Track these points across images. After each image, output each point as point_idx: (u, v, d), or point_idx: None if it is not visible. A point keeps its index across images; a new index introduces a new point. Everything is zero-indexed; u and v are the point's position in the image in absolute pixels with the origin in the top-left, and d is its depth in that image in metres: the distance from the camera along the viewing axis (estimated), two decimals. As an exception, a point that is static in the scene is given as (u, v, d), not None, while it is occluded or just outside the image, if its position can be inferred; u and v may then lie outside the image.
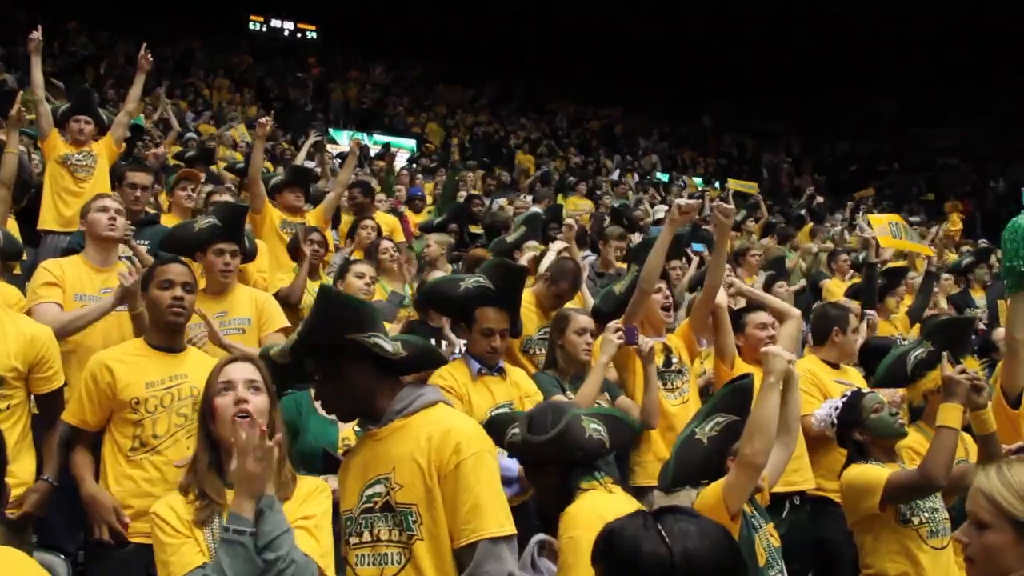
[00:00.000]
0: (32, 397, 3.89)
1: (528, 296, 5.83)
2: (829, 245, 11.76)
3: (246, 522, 2.42)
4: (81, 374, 3.87)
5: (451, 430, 2.66)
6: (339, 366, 2.72)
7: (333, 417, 3.83)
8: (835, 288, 9.11)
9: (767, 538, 3.53)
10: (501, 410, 4.18)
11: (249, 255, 5.43)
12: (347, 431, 3.90)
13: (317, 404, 3.84)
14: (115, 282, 4.45)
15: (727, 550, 1.81)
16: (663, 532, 1.79)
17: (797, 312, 5.52)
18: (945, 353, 3.92)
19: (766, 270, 8.94)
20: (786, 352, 3.58)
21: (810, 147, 27.68)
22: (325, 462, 3.72)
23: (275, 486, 2.55)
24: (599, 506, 2.99)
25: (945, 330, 4.68)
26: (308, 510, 2.69)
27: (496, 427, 3.15)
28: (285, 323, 4.92)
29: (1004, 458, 2.95)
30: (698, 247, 9.22)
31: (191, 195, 7.09)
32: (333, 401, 2.81)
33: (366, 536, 2.70)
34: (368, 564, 2.68)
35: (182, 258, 4.22)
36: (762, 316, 5.28)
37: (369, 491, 2.70)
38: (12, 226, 6.18)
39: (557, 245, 6.58)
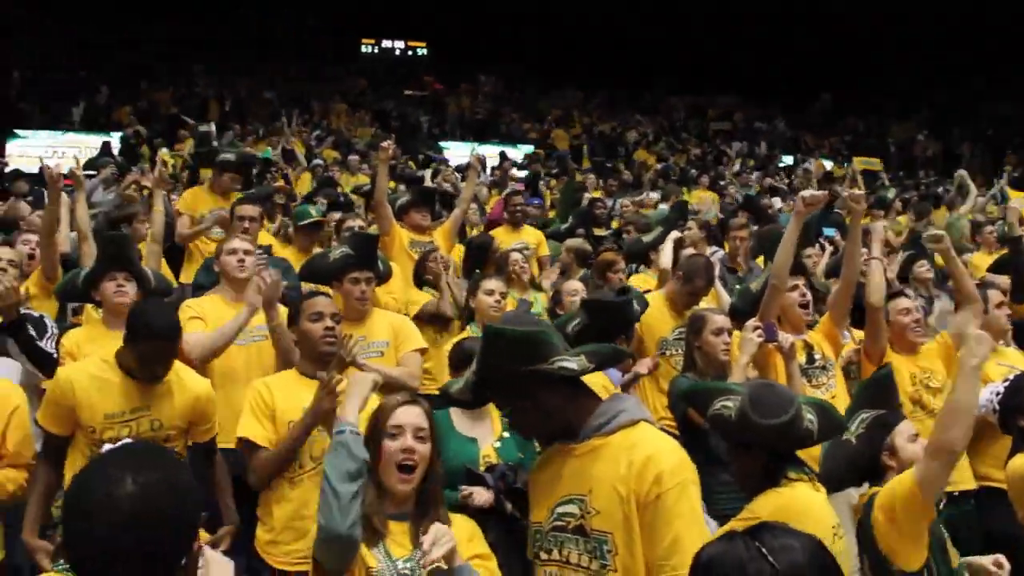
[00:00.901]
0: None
1: (659, 296, 5.80)
2: (969, 217, 11.23)
3: (346, 423, 2.61)
4: (235, 398, 4.16)
5: (653, 456, 2.54)
6: (528, 393, 2.65)
7: (473, 435, 3.97)
8: (980, 262, 8.71)
9: (949, 539, 3.36)
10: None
11: (384, 277, 5.53)
12: (487, 449, 3.94)
13: (456, 423, 4.00)
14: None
15: (827, 560, 1.75)
16: (764, 551, 1.73)
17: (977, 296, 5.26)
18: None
19: (905, 249, 8.63)
20: (989, 338, 3.32)
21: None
22: (468, 480, 3.80)
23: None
24: (810, 501, 2.96)
25: None
26: (480, 549, 2.82)
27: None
28: (422, 343, 5.05)
29: None
30: (829, 232, 8.95)
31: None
32: (530, 428, 2.80)
33: (555, 555, 2.64)
34: None
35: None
36: (904, 302, 5.11)
37: (561, 509, 2.64)
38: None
39: (671, 240, 6.51)
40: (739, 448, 3.08)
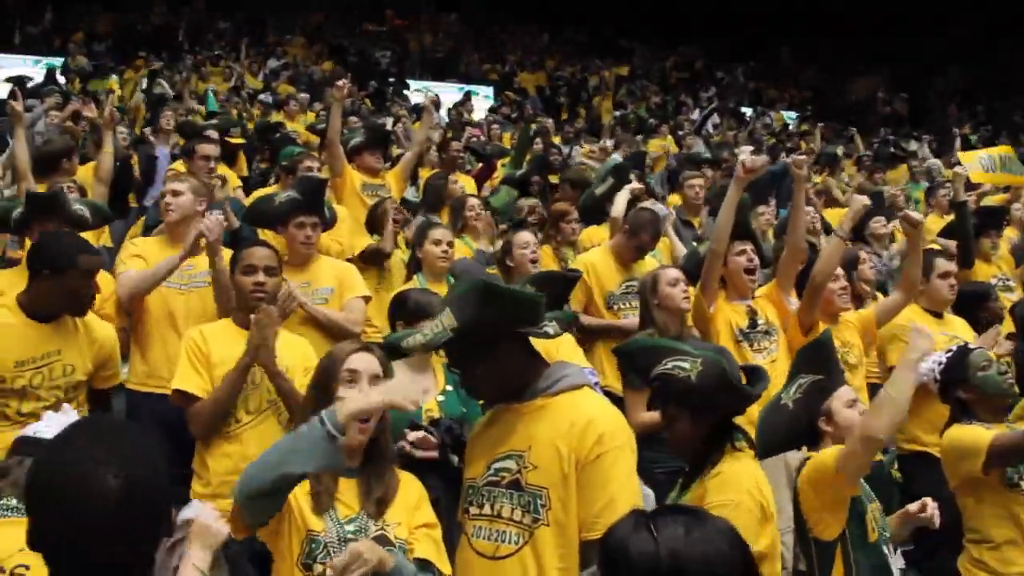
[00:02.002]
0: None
1: (605, 250, 5.76)
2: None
3: (333, 417, 2.37)
4: (173, 344, 4.07)
5: (596, 418, 2.62)
6: (494, 352, 2.66)
7: (416, 391, 3.93)
8: (932, 225, 8.75)
9: (876, 511, 3.39)
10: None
11: (329, 224, 5.42)
12: (430, 403, 3.88)
13: (399, 376, 3.95)
14: (196, 258, 4.56)
15: (725, 551, 1.71)
16: (654, 531, 1.72)
17: None
18: (1055, 306, 3.73)
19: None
20: (932, 332, 3.32)
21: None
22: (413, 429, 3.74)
23: (383, 486, 2.67)
24: (756, 472, 3.00)
25: None
26: (427, 517, 2.74)
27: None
28: (365, 291, 4.97)
29: None
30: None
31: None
32: (485, 385, 2.75)
33: (486, 509, 2.67)
34: (483, 538, 2.66)
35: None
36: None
37: (498, 464, 2.68)
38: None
39: (624, 193, 6.45)
40: (688, 412, 3.04)
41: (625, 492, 2.58)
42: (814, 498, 3.16)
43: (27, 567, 2.19)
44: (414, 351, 2.70)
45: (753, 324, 4.79)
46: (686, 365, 2.99)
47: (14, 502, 2.37)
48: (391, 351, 2.78)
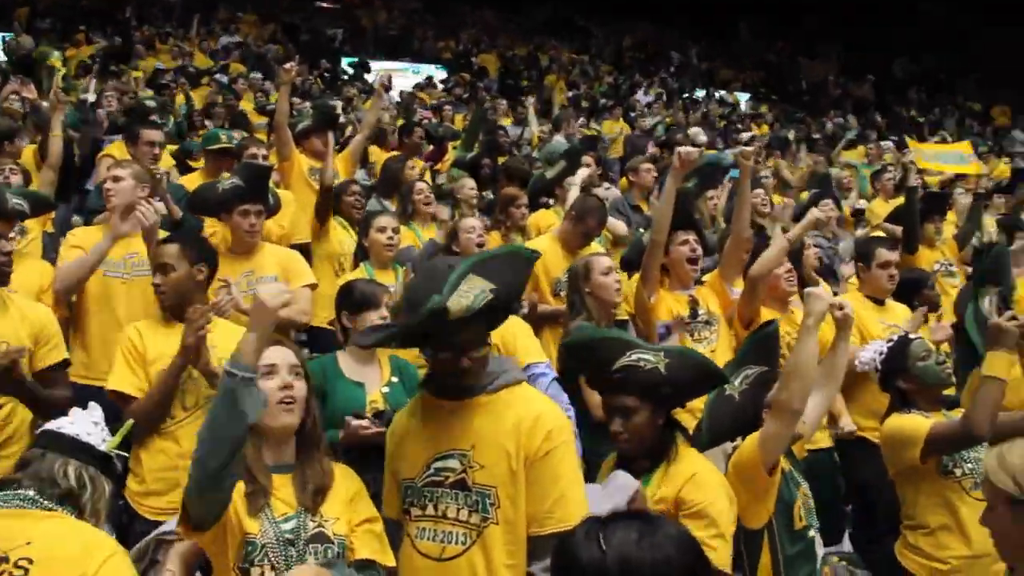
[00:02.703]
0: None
1: (552, 237, 5.76)
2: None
3: (239, 366, 2.35)
4: (113, 336, 3.95)
5: (543, 415, 2.63)
6: (483, 344, 2.67)
7: (360, 380, 3.87)
8: (878, 209, 8.88)
9: (805, 497, 3.47)
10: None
11: (272, 210, 5.36)
12: (375, 394, 3.86)
13: (343, 367, 3.91)
14: (139, 246, 4.47)
15: (673, 557, 1.74)
16: (603, 539, 1.75)
17: None
18: (990, 298, 3.78)
19: (811, 188, 8.75)
20: (827, 294, 3.44)
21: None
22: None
23: (318, 477, 2.65)
24: (711, 464, 3.08)
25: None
26: (367, 512, 2.72)
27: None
28: (311, 279, 4.92)
29: None
30: (735, 174, 8.99)
31: None
32: (479, 367, 2.65)
33: (430, 510, 2.66)
34: (428, 539, 2.65)
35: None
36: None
37: (439, 464, 2.66)
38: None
39: (579, 179, 6.45)
40: (651, 404, 3.06)
41: (574, 487, 2.63)
42: (741, 487, 3.21)
43: (31, 561, 2.16)
44: (459, 315, 2.48)
45: (694, 314, 4.81)
46: (651, 358, 3.03)
47: (31, 493, 2.34)
48: (434, 317, 2.50)
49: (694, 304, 4.84)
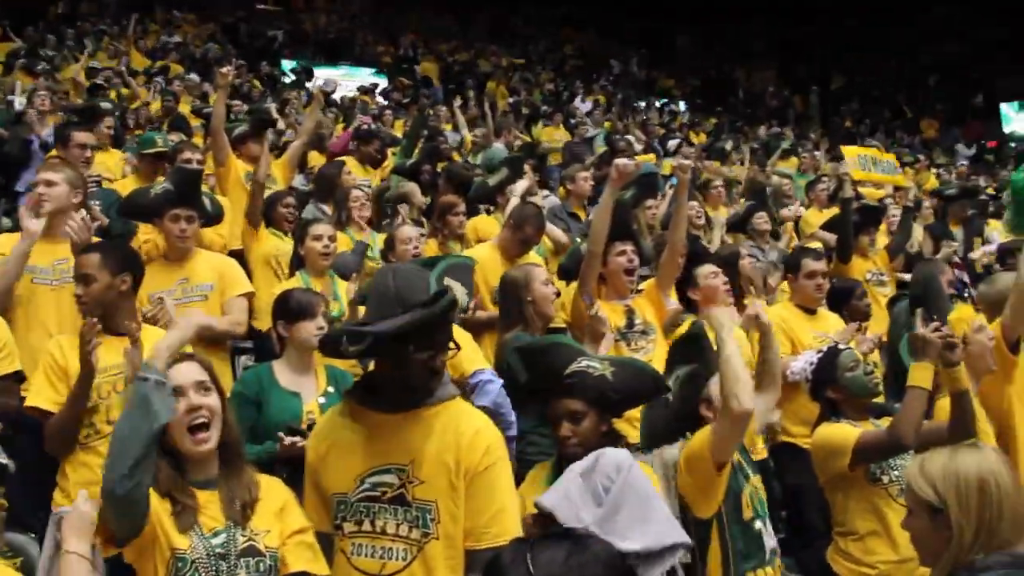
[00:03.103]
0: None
1: (492, 246, 5.78)
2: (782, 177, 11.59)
3: (150, 371, 2.42)
4: (42, 346, 3.83)
5: (481, 430, 2.64)
6: (444, 350, 2.67)
7: (296, 390, 3.86)
8: (812, 219, 9.02)
9: (755, 489, 3.56)
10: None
11: (214, 218, 5.29)
12: (311, 404, 3.83)
13: (279, 377, 3.88)
14: (69, 252, 4.36)
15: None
16: (530, 560, 1.77)
17: None
18: (919, 310, 3.88)
19: (745, 199, 8.85)
20: (723, 309, 3.55)
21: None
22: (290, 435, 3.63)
23: (244, 490, 2.60)
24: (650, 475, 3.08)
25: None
26: (297, 522, 2.66)
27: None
28: (248, 287, 4.88)
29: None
30: (674, 182, 9.08)
31: None
32: (424, 372, 2.63)
33: (367, 526, 2.62)
34: (366, 555, 2.62)
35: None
36: (709, 267, 5.15)
37: (374, 479, 2.62)
38: None
39: (519, 188, 6.48)
40: (597, 409, 3.12)
41: (511, 501, 2.65)
42: (690, 479, 3.30)
43: None
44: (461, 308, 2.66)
45: (631, 324, 4.85)
46: (598, 365, 3.11)
47: None
48: (452, 308, 2.60)
49: (630, 314, 4.88)
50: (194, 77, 13.62)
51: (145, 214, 4.94)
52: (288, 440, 3.51)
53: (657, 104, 19.62)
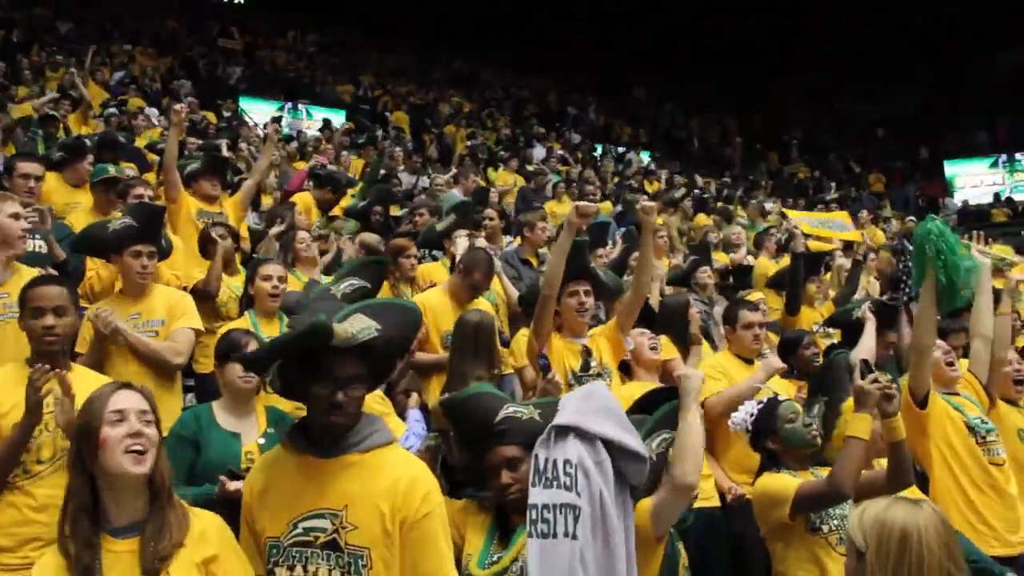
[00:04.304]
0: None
1: (441, 291, 5.80)
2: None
3: None
4: None
5: (418, 477, 2.63)
6: (372, 378, 2.68)
7: (235, 430, 3.83)
8: (763, 268, 9.07)
9: (683, 557, 3.56)
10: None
11: (164, 253, 5.24)
12: (250, 445, 3.80)
13: (218, 417, 3.85)
14: (10, 287, 4.29)
15: None
16: None
17: None
18: (860, 361, 3.93)
19: (692, 252, 8.93)
20: (698, 372, 3.49)
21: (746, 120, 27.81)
22: (231, 478, 3.57)
23: (164, 535, 2.44)
24: None
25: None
26: (217, 549, 2.53)
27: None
28: (197, 323, 4.83)
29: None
30: (623, 230, 9.19)
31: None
32: (355, 409, 2.63)
33: (298, 571, 2.60)
34: None
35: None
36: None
37: (307, 524, 2.60)
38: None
39: (462, 242, 6.50)
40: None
41: (448, 548, 2.67)
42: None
43: None
44: (339, 341, 2.54)
45: (586, 366, 4.85)
46: (524, 410, 3.08)
47: None
48: (315, 336, 2.55)
49: (587, 355, 4.88)
50: (153, 111, 13.49)
51: (102, 249, 4.86)
52: (231, 485, 3.43)
53: (617, 151, 19.85)
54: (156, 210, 5.17)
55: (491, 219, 8.25)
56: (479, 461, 3.10)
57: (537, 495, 2.82)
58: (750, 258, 10.04)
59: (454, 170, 11.81)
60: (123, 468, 2.45)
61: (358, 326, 2.57)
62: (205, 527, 2.55)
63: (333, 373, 2.59)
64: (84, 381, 3.50)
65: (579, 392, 3.15)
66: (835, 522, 3.83)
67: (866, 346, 5.68)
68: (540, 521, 2.80)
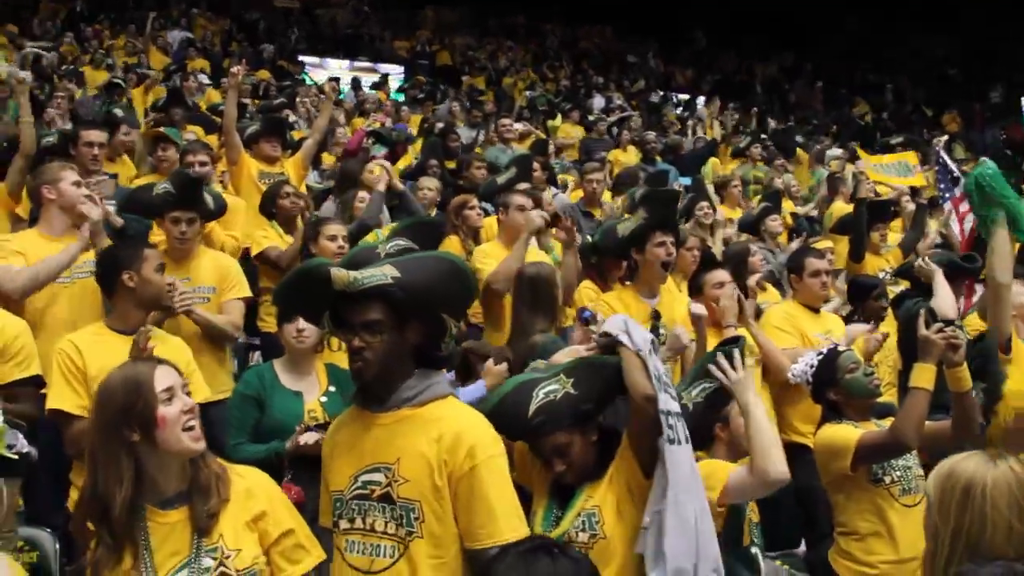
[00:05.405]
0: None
1: (496, 244, 5.81)
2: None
3: None
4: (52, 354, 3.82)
5: (463, 432, 2.62)
6: (402, 329, 2.64)
7: (297, 389, 3.91)
8: (837, 211, 8.79)
9: (750, 515, 3.59)
10: None
11: (216, 213, 5.32)
12: (313, 403, 3.89)
13: (280, 376, 3.92)
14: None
15: None
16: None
17: None
18: (922, 311, 3.85)
19: (761, 200, 8.81)
20: (745, 383, 3.18)
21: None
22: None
23: (211, 495, 2.44)
24: None
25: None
26: (278, 527, 2.52)
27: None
28: (247, 292, 4.94)
29: None
30: (685, 180, 9.10)
31: (164, 156, 6.88)
32: (375, 356, 2.61)
33: (358, 523, 2.66)
34: (358, 552, 2.65)
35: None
36: (719, 274, 5.01)
37: (365, 477, 2.66)
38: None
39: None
40: (579, 430, 2.98)
41: (503, 500, 2.62)
42: None
43: None
44: (339, 285, 2.56)
45: (654, 329, 4.67)
46: (556, 386, 2.97)
47: None
48: (310, 280, 2.64)
49: (656, 319, 4.74)
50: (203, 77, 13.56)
51: (147, 212, 5.03)
52: (303, 438, 3.55)
53: (677, 98, 19.52)
54: (193, 180, 5.12)
55: (534, 171, 8.15)
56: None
57: (664, 402, 2.79)
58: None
59: (514, 125, 11.65)
60: (183, 445, 2.43)
61: (367, 273, 2.58)
62: (250, 485, 2.55)
63: (347, 319, 2.64)
64: (164, 349, 3.66)
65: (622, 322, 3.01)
66: (897, 473, 3.80)
67: (946, 301, 5.33)
68: (667, 427, 2.77)
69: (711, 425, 3.47)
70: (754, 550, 3.58)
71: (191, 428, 2.46)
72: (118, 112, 8.87)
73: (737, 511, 3.47)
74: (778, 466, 3.00)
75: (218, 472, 2.50)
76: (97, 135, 6.09)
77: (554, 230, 5.78)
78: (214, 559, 2.40)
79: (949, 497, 2.17)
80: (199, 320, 4.54)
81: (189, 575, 2.39)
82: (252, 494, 2.53)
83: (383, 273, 2.58)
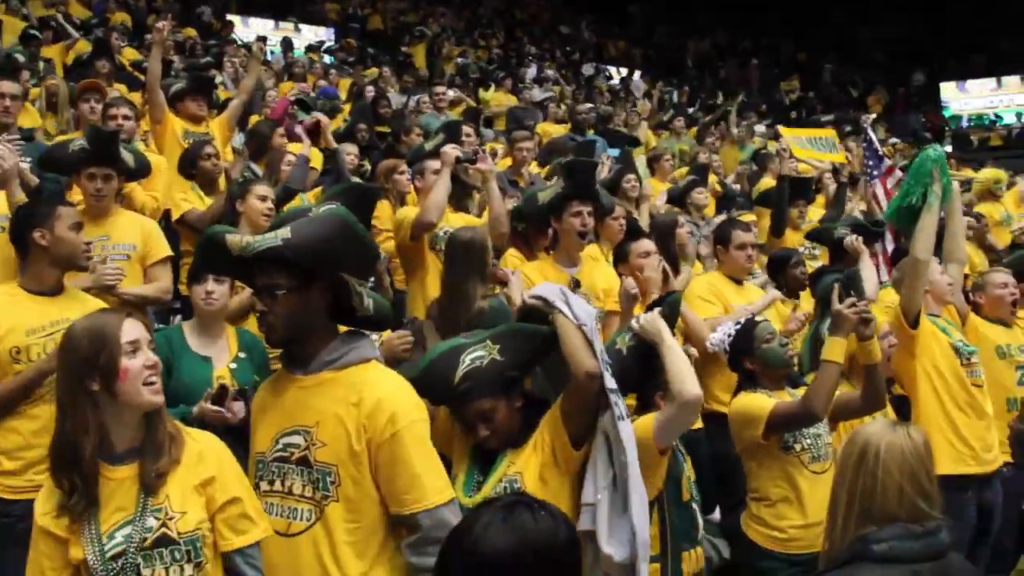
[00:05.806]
0: None
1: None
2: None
3: None
4: None
5: (384, 398, 2.60)
6: (306, 290, 2.60)
7: (206, 354, 3.82)
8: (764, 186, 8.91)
9: (689, 472, 3.70)
10: None
11: (138, 173, 5.19)
12: (221, 370, 3.80)
13: (188, 340, 3.85)
14: None
15: (542, 550, 1.78)
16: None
17: None
18: (836, 285, 3.96)
19: (689, 173, 8.87)
20: (653, 317, 3.25)
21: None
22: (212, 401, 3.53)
23: (162, 452, 2.43)
24: None
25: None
26: (227, 493, 2.50)
27: None
28: (169, 252, 4.84)
29: None
30: (612, 152, 9.12)
31: (94, 107, 6.67)
32: (278, 319, 2.60)
33: (277, 486, 2.66)
34: (276, 514, 2.64)
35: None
36: (645, 244, 5.09)
37: (285, 439, 2.66)
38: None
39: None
40: (504, 397, 3.00)
41: (427, 465, 2.62)
42: None
43: None
44: (235, 251, 2.57)
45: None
46: (482, 352, 2.98)
47: None
48: (211, 246, 2.66)
49: (576, 286, 4.73)
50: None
51: (63, 169, 4.90)
52: (208, 408, 3.44)
53: (611, 72, 19.55)
54: (108, 136, 4.95)
55: (467, 136, 8.11)
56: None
57: (609, 380, 2.85)
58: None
59: (447, 92, 11.56)
60: (143, 398, 2.41)
61: (259, 237, 2.59)
62: (203, 449, 2.53)
63: (251, 283, 2.66)
64: (85, 306, 3.63)
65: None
66: (807, 441, 3.92)
67: (870, 279, 5.56)
68: (614, 404, 2.84)
69: (646, 371, 3.34)
70: (694, 505, 3.70)
71: (152, 383, 2.44)
72: (19, 57, 8.56)
73: (676, 468, 3.56)
74: (693, 387, 3.05)
75: (172, 432, 2.49)
76: (9, 86, 5.84)
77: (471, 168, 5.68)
78: (157, 519, 2.39)
79: (847, 459, 2.26)
80: (130, 299, 4.43)
81: (132, 532, 2.37)
82: (203, 458, 2.51)
83: (275, 236, 2.55)
